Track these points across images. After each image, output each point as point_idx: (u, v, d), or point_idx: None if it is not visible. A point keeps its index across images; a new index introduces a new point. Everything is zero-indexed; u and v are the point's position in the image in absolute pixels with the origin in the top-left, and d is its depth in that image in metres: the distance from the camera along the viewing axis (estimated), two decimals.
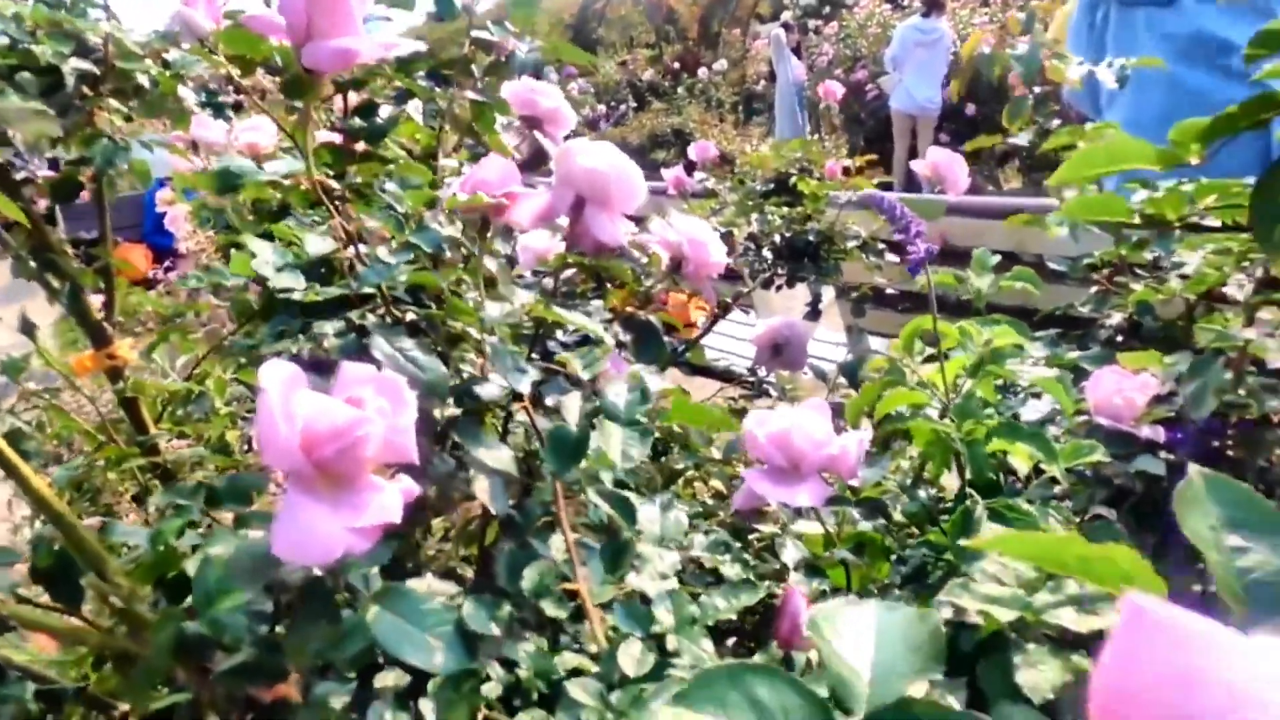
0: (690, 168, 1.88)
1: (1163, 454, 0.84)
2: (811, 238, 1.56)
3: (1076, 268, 1.07)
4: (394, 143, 0.91)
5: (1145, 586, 0.27)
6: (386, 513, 0.46)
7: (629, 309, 1.10)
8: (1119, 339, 1.07)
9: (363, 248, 0.71)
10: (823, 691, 0.27)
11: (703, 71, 10.21)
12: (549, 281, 0.99)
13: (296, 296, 0.58)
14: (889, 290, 1.57)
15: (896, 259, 1.51)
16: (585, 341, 0.92)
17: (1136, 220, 0.82)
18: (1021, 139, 1.26)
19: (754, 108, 9.55)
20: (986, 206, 1.69)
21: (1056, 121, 1.23)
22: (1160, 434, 0.87)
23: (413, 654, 0.54)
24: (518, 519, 0.64)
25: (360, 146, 0.80)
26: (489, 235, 0.72)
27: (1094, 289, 1.06)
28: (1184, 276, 0.96)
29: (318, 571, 0.57)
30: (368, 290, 0.71)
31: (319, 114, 0.87)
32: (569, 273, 1.19)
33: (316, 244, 0.62)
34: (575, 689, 0.48)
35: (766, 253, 1.61)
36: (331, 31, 0.50)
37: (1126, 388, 0.87)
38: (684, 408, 0.73)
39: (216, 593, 0.48)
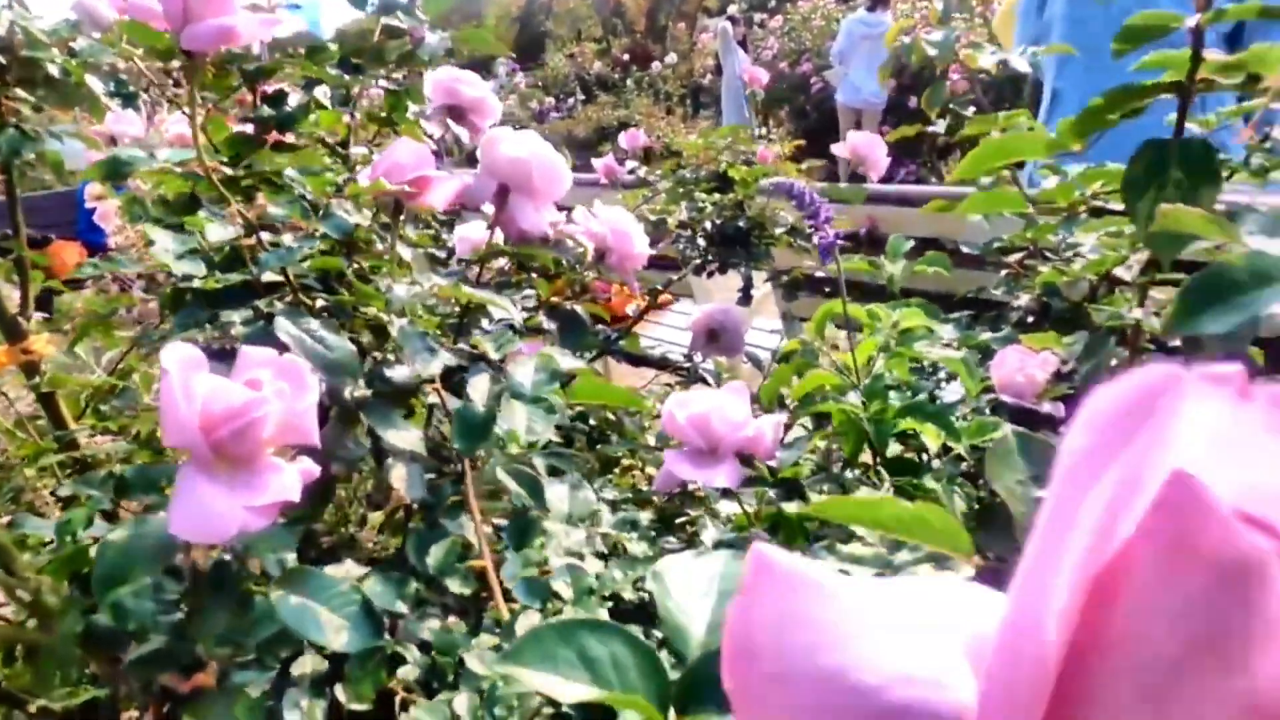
0: (622, 158, 1.90)
1: (1062, 429, 0.88)
2: (742, 224, 1.58)
3: (989, 251, 1.11)
4: (313, 134, 0.91)
5: (954, 543, 0.30)
6: (284, 492, 0.47)
7: (554, 299, 1.11)
8: (1029, 320, 1.11)
9: (273, 236, 0.71)
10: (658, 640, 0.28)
11: (655, 65, 10.23)
12: (474, 270, 1.00)
13: (196, 284, 0.58)
14: (819, 275, 1.60)
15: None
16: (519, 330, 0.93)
17: (1030, 210, 0.85)
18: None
19: (701, 101, 9.60)
20: (905, 195, 1.73)
21: (972, 109, 1.26)
22: (1060, 410, 0.90)
23: (318, 633, 0.55)
24: (429, 499, 0.65)
25: (273, 136, 0.80)
26: (401, 220, 0.73)
27: (1004, 273, 1.10)
28: (1087, 259, 1.00)
29: (225, 556, 0.58)
30: (275, 279, 0.72)
31: (233, 105, 0.87)
32: (501, 263, 1.20)
33: (217, 232, 0.63)
34: (472, 661, 0.50)
35: (699, 240, 1.63)
36: (207, 13, 0.50)
37: (1028, 366, 0.90)
38: (591, 387, 0.74)
39: (116, 577, 0.49)
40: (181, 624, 0.60)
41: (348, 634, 0.54)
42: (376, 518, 1.22)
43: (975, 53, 1.27)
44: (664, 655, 0.29)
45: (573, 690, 0.26)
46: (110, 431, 1.25)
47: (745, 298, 1.58)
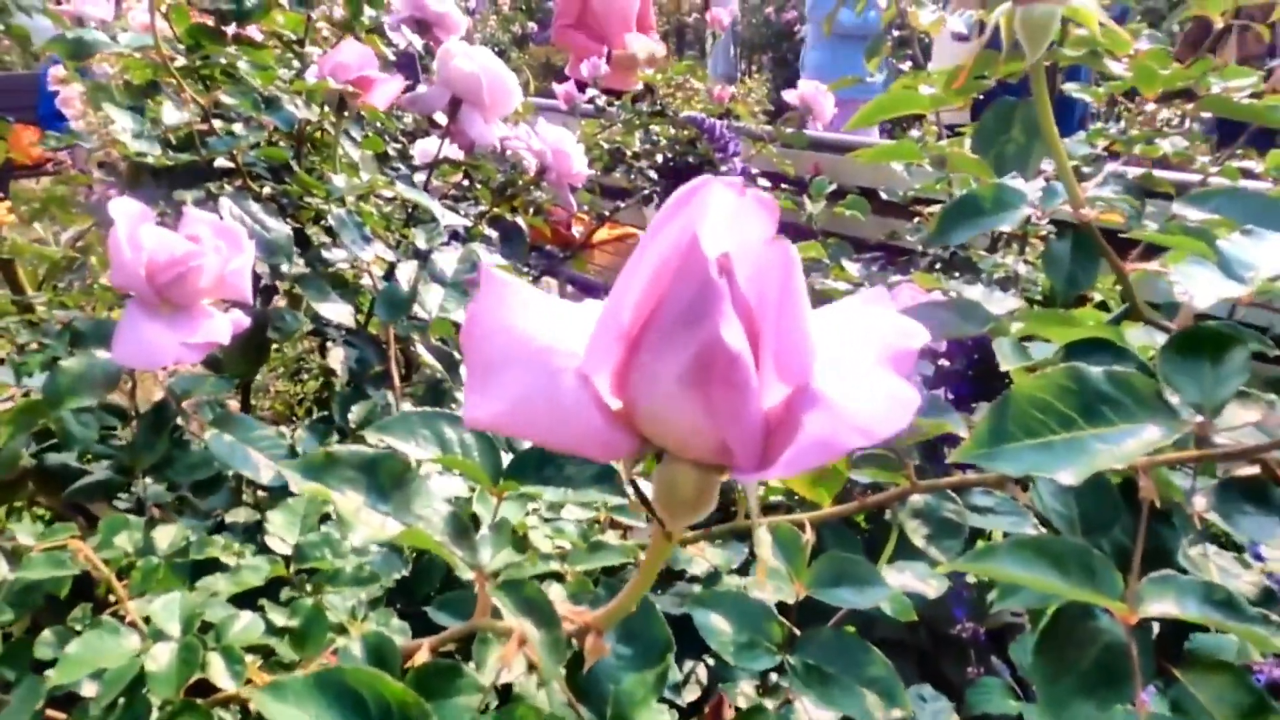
0: (583, 85, 1.94)
1: (941, 360, 0.98)
2: (692, 160, 1.65)
3: (905, 199, 1.19)
4: (273, 30, 0.96)
5: None
6: (215, 334, 0.55)
7: (498, 210, 1.18)
8: (937, 266, 1.20)
9: (226, 125, 0.78)
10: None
11: None
12: (422, 176, 1.06)
13: (150, 161, 0.64)
14: None
15: (769, 185, 1.61)
16: (465, 237, 1.00)
17: (926, 161, 0.93)
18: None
19: (685, 39, 9.49)
20: (845, 143, 1.81)
21: (908, 64, 1.34)
22: (943, 345, 1.00)
23: (245, 468, 0.63)
24: (355, 369, 0.73)
25: (231, 30, 0.85)
26: (345, 117, 0.79)
27: (916, 220, 1.19)
28: None
29: (165, 397, 0.65)
30: (229, 165, 0.78)
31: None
32: (459, 179, 1.27)
33: (172, 114, 0.69)
34: None
35: (652, 172, 1.70)
36: None
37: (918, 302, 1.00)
38: None
39: (66, 395, 0.56)
40: (121, 459, 0.68)
41: (273, 471, 0.62)
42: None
43: (917, 10, 1.34)
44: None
45: (423, 453, 0.34)
46: (65, 306, 1.30)
47: None
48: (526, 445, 0.37)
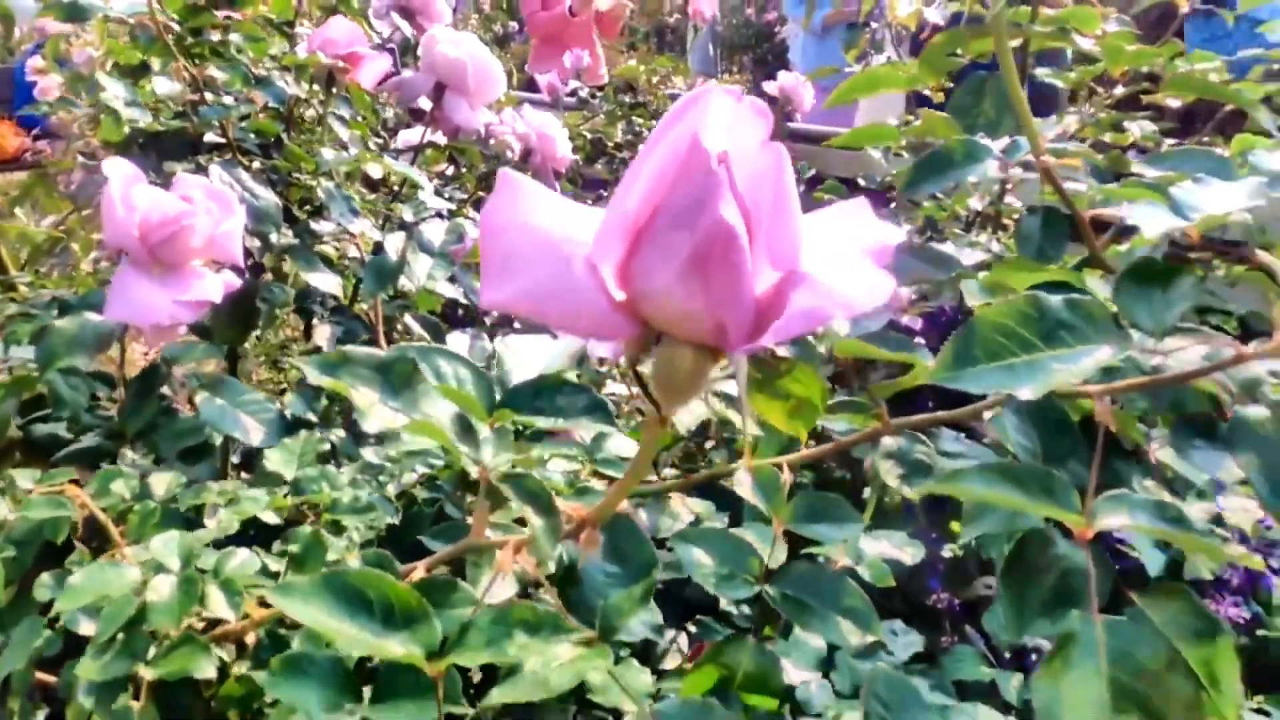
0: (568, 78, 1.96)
1: (918, 339, 1.01)
2: None
3: (883, 185, 1.22)
4: (260, 13, 0.97)
5: None
6: (207, 293, 0.56)
7: (482, 193, 1.20)
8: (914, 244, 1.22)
9: (216, 98, 0.79)
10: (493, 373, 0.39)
11: None
12: (408, 158, 1.08)
13: (142, 126, 0.65)
14: None
15: None
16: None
17: (903, 145, 0.96)
18: None
19: (666, 40, 9.54)
20: (824, 133, 1.83)
21: (887, 55, 1.36)
22: (918, 324, 1.03)
23: (235, 430, 0.64)
24: (341, 336, 0.74)
25: (222, 14, 0.86)
26: (334, 93, 0.81)
27: (893, 205, 1.21)
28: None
29: (156, 361, 0.66)
30: (219, 141, 0.79)
31: None
32: (443, 168, 1.28)
33: (164, 85, 0.70)
34: (368, 453, 0.59)
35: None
36: None
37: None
38: None
39: (58, 354, 0.57)
40: (110, 424, 0.69)
41: (263, 433, 0.63)
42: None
43: (895, 3, 1.37)
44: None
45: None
46: (46, 288, 1.30)
47: None
48: (517, 381, 0.39)
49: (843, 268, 0.22)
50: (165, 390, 0.68)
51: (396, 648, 0.27)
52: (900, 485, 0.44)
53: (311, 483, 0.46)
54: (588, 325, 0.22)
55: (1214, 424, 0.39)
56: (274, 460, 0.49)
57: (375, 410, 0.30)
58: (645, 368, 0.24)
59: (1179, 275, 0.33)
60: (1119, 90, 0.94)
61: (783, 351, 0.39)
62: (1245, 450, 0.34)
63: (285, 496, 0.45)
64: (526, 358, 0.40)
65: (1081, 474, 0.39)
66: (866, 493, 0.69)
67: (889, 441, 0.45)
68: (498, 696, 0.28)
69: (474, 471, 0.32)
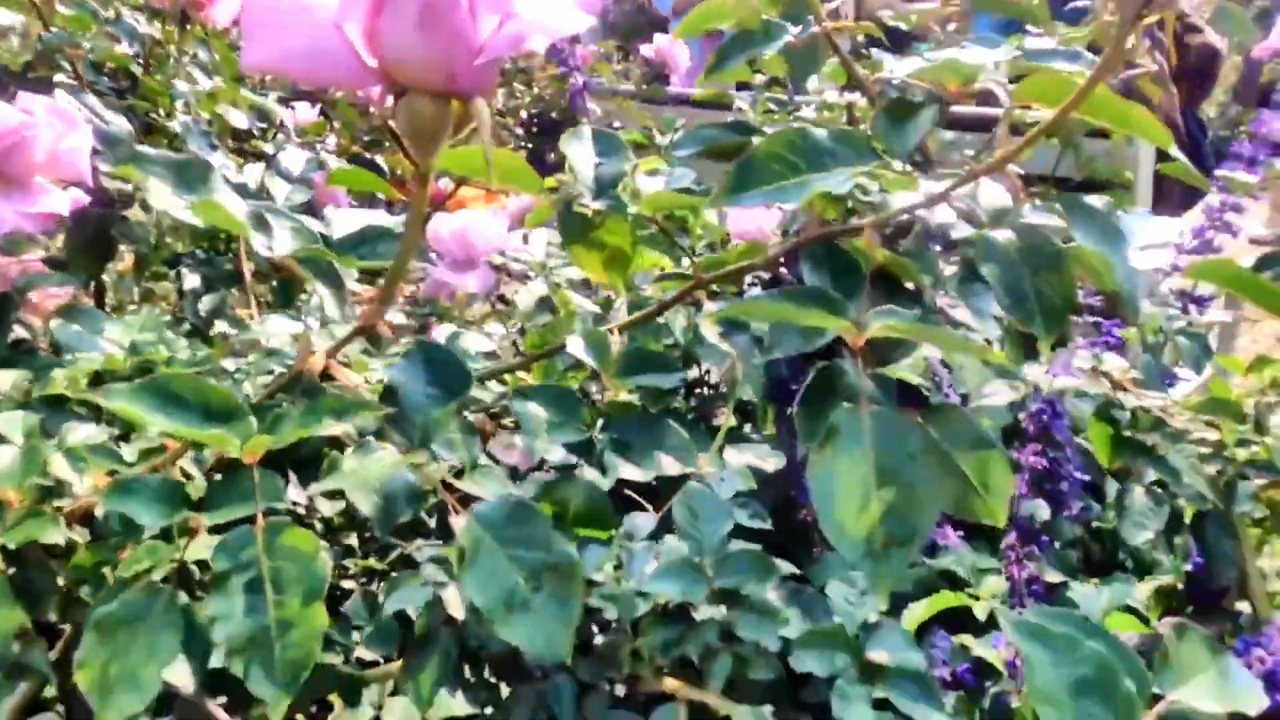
0: None
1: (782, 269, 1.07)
2: (555, 115, 1.71)
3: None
4: None
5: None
6: (53, 206, 0.56)
7: (355, 149, 1.20)
8: None
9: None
10: None
11: None
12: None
13: None
14: None
15: None
16: None
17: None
18: None
19: None
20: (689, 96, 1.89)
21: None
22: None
23: (94, 354, 0.64)
24: (209, 273, 0.75)
25: None
26: (188, 31, 0.81)
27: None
28: None
29: (4, 290, 0.66)
30: (71, 83, 0.78)
31: None
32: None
33: (6, 16, 0.69)
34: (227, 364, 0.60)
35: (517, 129, 1.75)
36: None
37: (759, 219, 1.07)
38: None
39: None
40: None
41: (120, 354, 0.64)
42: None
43: None
44: None
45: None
46: None
47: None
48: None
49: (549, 6, 0.25)
50: (25, 335, 0.68)
51: (215, 434, 0.29)
52: (720, 341, 0.48)
53: (149, 345, 0.47)
54: (345, 82, 0.25)
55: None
56: (113, 333, 0.50)
57: (168, 200, 0.32)
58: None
59: (922, 109, 0.38)
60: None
61: (597, 206, 0.43)
62: (990, 263, 0.39)
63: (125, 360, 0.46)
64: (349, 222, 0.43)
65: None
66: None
67: (711, 306, 0.49)
68: (319, 487, 0.31)
69: (264, 252, 0.34)
